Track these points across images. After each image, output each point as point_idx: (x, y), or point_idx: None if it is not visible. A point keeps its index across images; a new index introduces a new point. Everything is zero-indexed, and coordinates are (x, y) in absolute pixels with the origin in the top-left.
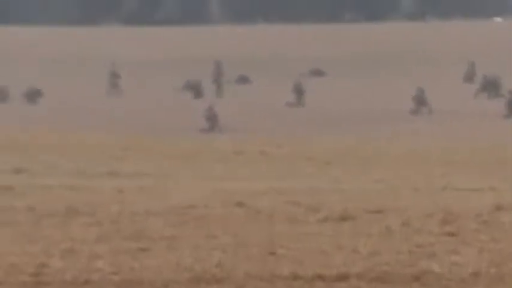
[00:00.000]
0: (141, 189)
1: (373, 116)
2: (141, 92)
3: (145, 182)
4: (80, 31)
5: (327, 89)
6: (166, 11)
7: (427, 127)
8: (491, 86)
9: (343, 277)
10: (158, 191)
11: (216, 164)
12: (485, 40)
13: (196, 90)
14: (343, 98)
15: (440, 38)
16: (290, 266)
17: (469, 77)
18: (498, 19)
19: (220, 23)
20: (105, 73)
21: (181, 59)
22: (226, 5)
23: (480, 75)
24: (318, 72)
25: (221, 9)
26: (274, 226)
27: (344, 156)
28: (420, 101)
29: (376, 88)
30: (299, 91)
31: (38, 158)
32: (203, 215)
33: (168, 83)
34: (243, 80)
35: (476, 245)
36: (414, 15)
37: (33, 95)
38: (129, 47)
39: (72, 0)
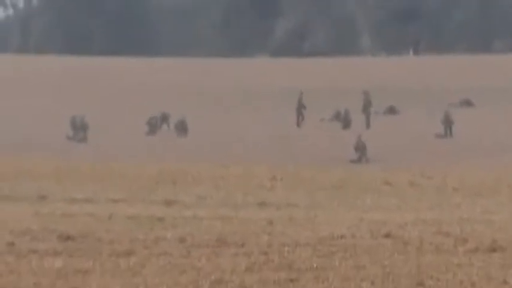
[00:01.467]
0: (290, 220)
1: None
2: (289, 121)
3: (295, 212)
4: (228, 63)
5: (476, 119)
6: (315, 43)
7: None
8: None
9: None
10: (307, 222)
11: (364, 194)
12: None
13: (345, 120)
14: (493, 128)
15: None
16: None
17: None
18: None
19: (370, 54)
20: (252, 103)
21: (330, 89)
22: (376, 36)
23: None
24: (467, 103)
25: (371, 40)
26: (423, 257)
27: (493, 187)
28: None
29: None
30: (448, 122)
31: (189, 189)
32: (351, 246)
33: (317, 113)
34: (392, 110)
35: None
36: None
37: (182, 128)
38: (276, 77)
39: (220, 33)
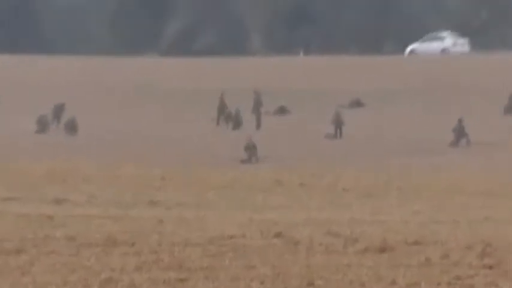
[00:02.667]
0: (180, 220)
1: (412, 147)
2: (179, 121)
3: (185, 212)
4: (120, 61)
5: (367, 120)
6: (205, 42)
7: (466, 159)
8: None
9: None
10: (197, 221)
11: (255, 194)
12: None
13: (235, 120)
14: (383, 129)
15: (481, 70)
16: None
17: (509, 110)
18: None
19: (260, 54)
20: (143, 103)
21: (220, 89)
22: (267, 36)
23: None
24: (357, 104)
25: (262, 41)
26: (313, 257)
27: (382, 189)
28: (460, 132)
29: (416, 120)
30: (338, 122)
31: (79, 188)
32: (241, 246)
33: (206, 113)
34: (282, 111)
35: None
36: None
37: (72, 126)
38: (167, 76)
39: (111, 31)
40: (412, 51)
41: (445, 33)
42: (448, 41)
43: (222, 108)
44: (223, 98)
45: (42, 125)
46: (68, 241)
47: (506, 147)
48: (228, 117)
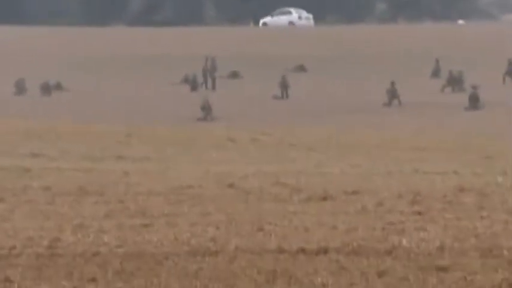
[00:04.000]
0: (144, 172)
1: (350, 107)
2: (143, 84)
3: (148, 165)
4: (89, 31)
5: (309, 83)
6: (165, 14)
7: (398, 118)
8: (455, 81)
9: (323, 251)
10: (159, 173)
11: (210, 149)
12: (450, 40)
13: (192, 83)
14: (324, 91)
15: (410, 39)
16: (276, 240)
17: (436, 73)
18: (461, 21)
19: (215, 24)
20: (111, 68)
21: (179, 56)
22: (220, 8)
23: (446, 71)
24: (301, 69)
25: (216, 12)
26: (262, 205)
27: (324, 144)
28: (392, 94)
29: (353, 83)
30: (284, 85)
31: (53, 144)
32: (199, 195)
33: (167, 78)
34: (235, 75)
35: (441, 223)
36: (387, 19)
37: (47, 89)
38: (132, 44)
39: (82, 4)
40: (264, 24)
41: (291, 9)
42: (294, 15)
43: (205, 72)
44: (207, 63)
45: (20, 88)
46: (43, 191)
47: (434, 107)
48: (185, 80)
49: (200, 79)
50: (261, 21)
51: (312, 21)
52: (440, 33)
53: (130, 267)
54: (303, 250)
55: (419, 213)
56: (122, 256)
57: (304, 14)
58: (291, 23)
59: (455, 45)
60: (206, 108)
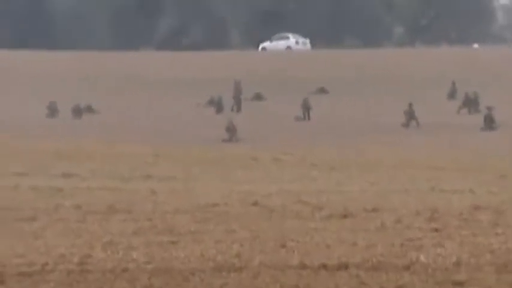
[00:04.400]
0: (171, 191)
1: (369, 128)
2: (171, 106)
3: (175, 184)
4: (118, 55)
5: (330, 105)
6: (193, 38)
7: (416, 138)
8: (471, 103)
9: (344, 266)
10: (186, 192)
11: (235, 169)
12: (465, 63)
13: (218, 105)
14: (344, 113)
15: (427, 62)
16: (299, 257)
17: (452, 95)
18: (476, 45)
19: (240, 48)
20: (140, 91)
21: (205, 79)
22: (244, 32)
23: (462, 93)
24: (322, 91)
25: (240, 37)
26: (285, 222)
27: (344, 163)
28: (410, 115)
29: (373, 105)
30: (306, 107)
31: (84, 164)
32: (224, 213)
33: (194, 100)
34: (258, 97)
35: (457, 239)
36: (405, 42)
37: (78, 111)
38: (161, 68)
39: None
40: (263, 48)
41: (289, 34)
42: (292, 41)
43: (236, 93)
44: (238, 84)
45: (52, 110)
46: (74, 209)
47: (450, 128)
48: (211, 102)
49: (225, 101)
50: (260, 46)
51: (308, 46)
52: (455, 57)
53: (158, 282)
54: (324, 266)
55: (437, 230)
56: (150, 272)
57: (301, 39)
58: (288, 47)
59: (471, 68)
60: (231, 130)
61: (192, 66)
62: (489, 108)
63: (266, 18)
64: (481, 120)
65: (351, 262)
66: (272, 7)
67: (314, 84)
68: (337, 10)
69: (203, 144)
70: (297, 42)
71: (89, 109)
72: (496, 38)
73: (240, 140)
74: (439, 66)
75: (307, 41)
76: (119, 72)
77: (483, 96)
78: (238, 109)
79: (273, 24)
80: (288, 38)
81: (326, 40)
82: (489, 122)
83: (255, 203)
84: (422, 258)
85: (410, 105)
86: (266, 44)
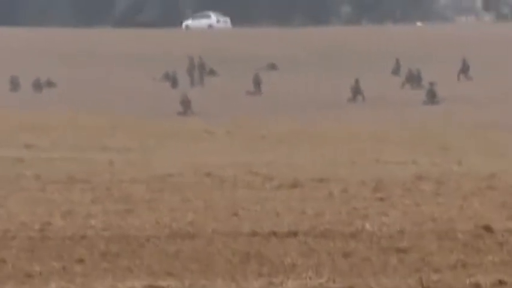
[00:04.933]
0: (127, 162)
1: (318, 103)
2: (128, 81)
3: (131, 155)
4: (77, 32)
5: (280, 80)
6: (148, 16)
7: (362, 112)
8: (414, 79)
9: (293, 234)
10: (142, 163)
11: (189, 141)
12: (409, 41)
13: (173, 80)
14: (294, 88)
15: (373, 39)
16: (250, 224)
17: (396, 71)
18: (419, 23)
19: None
20: (97, 66)
21: (160, 54)
22: (198, 12)
23: (406, 69)
24: (272, 67)
25: (193, 14)
26: (237, 192)
27: (294, 136)
28: (356, 90)
29: (321, 80)
30: (257, 82)
31: (44, 136)
32: (178, 183)
33: (150, 74)
34: (212, 72)
35: (401, 208)
36: (352, 21)
37: (39, 85)
38: (117, 44)
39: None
40: (186, 26)
41: (210, 13)
42: (213, 19)
43: (191, 68)
44: (192, 60)
45: (14, 85)
46: (35, 179)
47: (394, 102)
48: (166, 77)
49: (179, 76)
50: (184, 24)
51: (229, 24)
52: (400, 35)
53: (115, 249)
54: (274, 233)
55: (381, 199)
56: (107, 239)
57: (221, 17)
58: (209, 26)
59: (414, 45)
60: (185, 103)
61: (147, 43)
62: (431, 84)
63: None
64: (424, 94)
65: (300, 230)
66: None
67: (264, 61)
68: None
69: (159, 117)
70: (218, 21)
71: (49, 83)
72: (439, 16)
73: (195, 113)
74: (384, 44)
75: (228, 19)
76: (77, 48)
77: (426, 72)
78: (192, 84)
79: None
80: (209, 16)
81: (276, 19)
82: (431, 97)
83: (208, 174)
84: (367, 226)
85: (356, 81)
86: (189, 22)
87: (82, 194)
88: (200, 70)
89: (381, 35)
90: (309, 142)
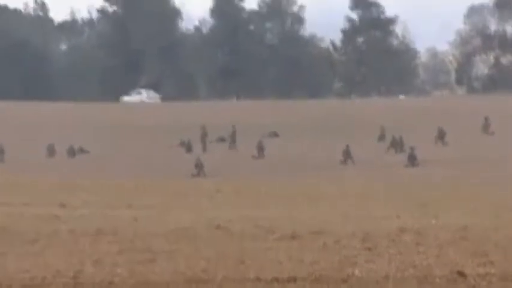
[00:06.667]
0: (149, 217)
1: (314, 165)
2: (149, 148)
3: (152, 211)
4: (106, 106)
5: (281, 146)
6: (167, 91)
7: (352, 173)
8: (397, 144)
9: (292, 279)
10: (161, 218)
11: (202, 198)
12: (393, 111)
13: (187, 146)
14: (293, 152)
15: (361, 110)
16: (255, 271)
17: (382, 138)
18: (402, 96)
19: (206, 99)
20: (123, 135)
21: (177, 124)
22: (210, 86)
23: (390, 136)
24: (274, 134)
25: (207, 89)
26: (243, 243)
27: (293, 193)
28: (347, 154)
29: (316, 145)
30: (261, 147)
31: (77, 195)
32: (193, 235)
33: (167, 142)
34: (221, 139)
35: (386, 257)
36: (343, 95)
37: (72, 152)
38: (140, 116)
39: (100, 83)
40: (124, 101)
41: (142, 90)
42: (144, 95)
43: (203, 136)
44: (204, 128)
45: (50, 151)
46: (69, 233)
47: (380, 165)
48: (182, 144)
49: (194, 143)
50: (122, 99)
51: (158, 100)
52: (384, 106)
53: None
54: (276, 279)
55: (369, 249)
56: (132, 285)
57: (151, 94)
58: (142, 101)
59: (397, 115)
60: (199, 166)
61: (166, 114)
62: (412, 148)
63: (227, 74)
64: (405, 158)
65: (298, 276)
66: (234, 64)
67: (267, 129)
68: (288, 69)
69: (176, 178)
70: (147, 97)
71: (81, 150)
72: (418, 91)
73: (207, 175)
74: (371, 114)
75: (157, 95)
76: (105, 120)
77: (407, 139)
78: (205, 149)
79: (233, 79)
80: (141, 93)
81: (278, 92)
82: (412, 160)
83: (218, 227)
84: (357, 272)
85: (347, 146)
86: (126, 97)
87: (109, 245)
88: (210, 138)
89: (368, 107)
90: (306, 199)
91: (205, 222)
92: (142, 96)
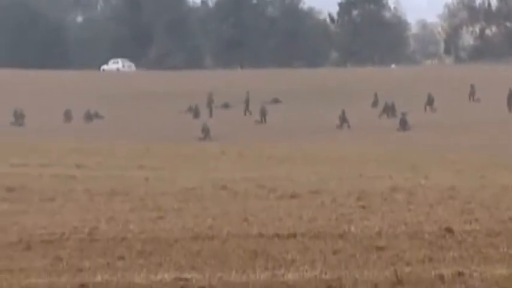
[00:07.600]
0: (159, 178)
1: (312, 129)
2: (158, 113)
3: (162, 172)
4: (118, 74)
5: (282, 111)
6: (175, 61)
7: (347, 137)
8: (389, 110)
9: (292, 235)
10: (170, 178)
11: (208, 160)
12: (385, 79)
13: (195, 112)
14: (293, 118)
15: (356, 78)
16: (257, 228)
17: (375, 104)
18: (394, 66)
19: (211, 69)
20: (135, 101)
21: (185, 91)
22: (215, 57)
23: (382, 102)
24: (276, 101)
25: (212, 60)
26: (247, 201)
27: (293, 156)
28: (343, 119)
29: (314, 111)
30: (263, 113)
31: (92, 158)
32: (200, 194)
33: (176, 108)
34: (226, 106)
35: (379, 214)
36: (339, 64)
37: (89, 117)
38: (151, 84)
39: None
40: (103, 69)
41: (119, 59)
42: (120, 64)
43: (209, 102)
44: (211, 95)
45: (68, 117)
46: (84, 192)
47: (373, 129)
48: (190, 110)
49: (201, 109)
50: (102, 68)
51: (133, 68)
52: (378, 75)
53: (149, 248)
54: (277, 235)
55: (363, 207)
56: (143, 240)
57: (127, 62)
58: (118, 69)
59: (389, 83)
60: (205, 130)
61: (175, 82)
62: (403, 114)
63: (231, 45)
64: (397, 123)
65: (298, 232)
66: (237, 36)
67: (269, 95)
68: (288, 40)
69: (184, 142)
70: (123, 66)
71: (96, 115)
72: (409, 60)
73: (212, 138)
74: (365, 82)
75: (133, 64)
76: (117, 87)
77: (399, 105)
78: (211, 115)
79: (237, 49)
80: (118, 62)
81: (279, 62)
82: (403, 125)
83: (224, 187)
84: (352, 228)
85: (343, 111)
86: (105, 66)
87: (122, 204)
88: (216, 104)
89: (362, 75)
90: (305, 161)
91: (211, 183)
92: (118, 65)
